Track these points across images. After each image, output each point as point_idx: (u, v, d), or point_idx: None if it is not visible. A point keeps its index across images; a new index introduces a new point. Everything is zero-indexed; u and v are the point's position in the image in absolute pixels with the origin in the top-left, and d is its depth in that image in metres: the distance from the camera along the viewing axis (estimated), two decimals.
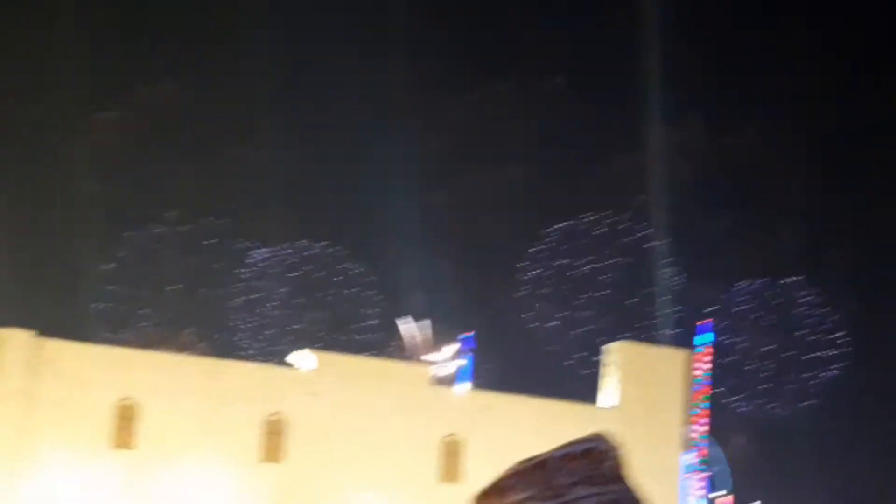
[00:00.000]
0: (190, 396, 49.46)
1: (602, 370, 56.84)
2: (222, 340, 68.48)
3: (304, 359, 52.89)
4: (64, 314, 65.17)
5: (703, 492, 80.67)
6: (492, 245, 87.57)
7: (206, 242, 79.13)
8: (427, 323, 67.16)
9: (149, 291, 74.35)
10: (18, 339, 47.80)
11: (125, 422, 48.99)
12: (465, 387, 58.41)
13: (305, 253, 79.73)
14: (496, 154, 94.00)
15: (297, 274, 77.81)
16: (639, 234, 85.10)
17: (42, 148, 77.93)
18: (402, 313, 70.33)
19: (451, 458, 52.78)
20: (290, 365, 53.10)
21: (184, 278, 77.19)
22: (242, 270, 78.63)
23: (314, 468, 50.36)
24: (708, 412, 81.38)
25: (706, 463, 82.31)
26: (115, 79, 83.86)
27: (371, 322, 73.10)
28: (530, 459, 2.45)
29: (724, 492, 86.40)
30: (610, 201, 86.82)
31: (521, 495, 2.39)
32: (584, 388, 58.47)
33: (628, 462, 2.46)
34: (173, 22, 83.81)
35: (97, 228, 75.03)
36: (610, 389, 55.77)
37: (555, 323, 79.96)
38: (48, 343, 48.62)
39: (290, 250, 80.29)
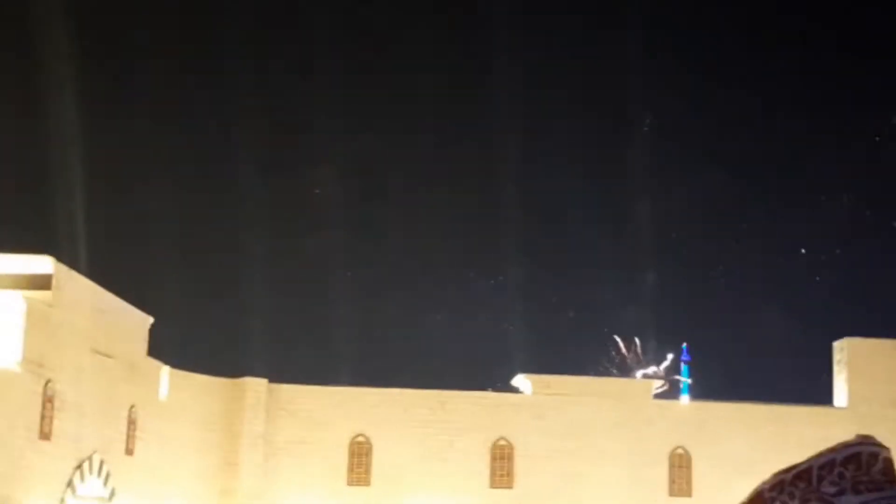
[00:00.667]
0: (418, 429, 50.88)
1: (833, 368, 55.02)
2: (440, 370, 70.01)
3: (521, 383, 53.55)
4: (292, 361, 68.34)
5: None
6: (699, 252, 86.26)
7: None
8: (635, 341, 66.80)
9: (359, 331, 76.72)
10: (256, 387, 50.43)
11: (359, 458, 50.82)
12: (685, 399, 57.75)
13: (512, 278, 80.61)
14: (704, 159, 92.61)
15: (503, 299, 78.78)
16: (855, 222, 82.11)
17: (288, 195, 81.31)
18: (612, 331, 70.23)
19: (679, 470, 52.22)
20: (514, 389, 53.84)
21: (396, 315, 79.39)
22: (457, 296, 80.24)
23: (545, 490, 50.81)
24: None
25: None
26: None
27: (581, 342, 73.26)
28: (790, 469, 2.36)
29: None
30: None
31: None
32: (812, 390, 56.82)
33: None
34: None
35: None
36: (841, 388, 53.96)
37: (774, 324, 77.84)
38: (282, 388, 51.11)
39: (501, 277, 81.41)
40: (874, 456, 2.30)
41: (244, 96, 78.55)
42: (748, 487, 2.36)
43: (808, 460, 2.33)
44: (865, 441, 2.32)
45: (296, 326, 78.15)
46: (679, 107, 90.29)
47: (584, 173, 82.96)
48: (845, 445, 2.32)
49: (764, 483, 2.34)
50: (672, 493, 51.97)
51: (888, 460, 2.30)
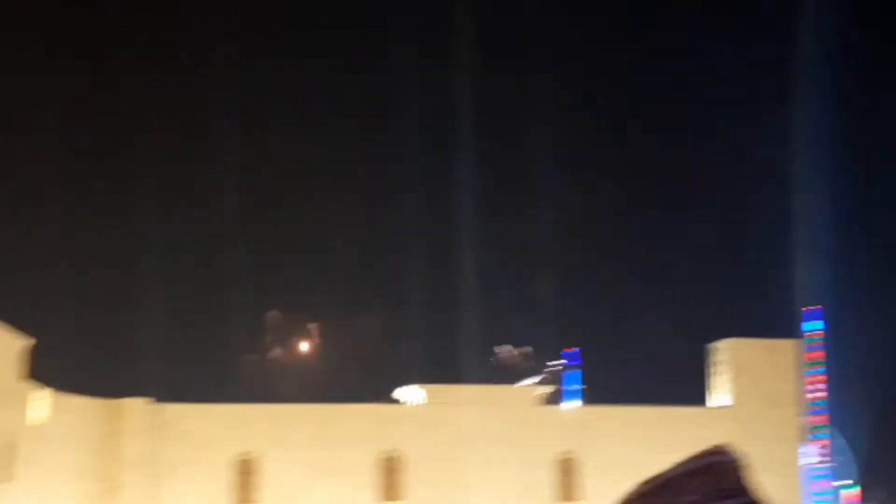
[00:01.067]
0: (306, 445, 50.26)
1: (711, 370, 56.17)
2: (326, 384, 69.32)
3: (411, 393, 53.37)
4: (180, 380, 66.85)
5: (828, 484, 79.04)
6: (584, 261, 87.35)
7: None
8: (528, 349, 67.18)
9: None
10: (136, 408, 49.15)
11: (245, 476, 49.93)
12: (574, 403, 58.27)
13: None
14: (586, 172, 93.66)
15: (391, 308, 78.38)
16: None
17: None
18: (502, 339, 70.58)
19: (567, 475, 52.63)
20: (397, 401, 53.61)
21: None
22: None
23: (435, 501, 50.64)
24: (825, 400, 79.67)
25: (827, 454, 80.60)
26: None
27: (470, 351, 73.28)
28: (653, 479, 2.34)
29: (849, 481, 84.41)
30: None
31: None
32: (694, 391, 57.83)
33: (752, 469, 2.31)
34: None
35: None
36: (721, 388, 55.13)
37: (656, 327, 79.33)
38: (167, 408, 49.95)
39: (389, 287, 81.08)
40: (728, 464, 2.29)
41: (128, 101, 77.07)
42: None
43: (671, 469, 2.29)
44: (721, 450, 2.30)
45: (186, 345, 76.61)
46: (561, 116, 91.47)
47: (473, 182, 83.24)
48: (703, 455, 2.29)
49: (628, 495, 2.27)
50: (560, 497, 52.41)
51: (742, 469, 2.30)
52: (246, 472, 50.01)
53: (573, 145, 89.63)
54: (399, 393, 53.87)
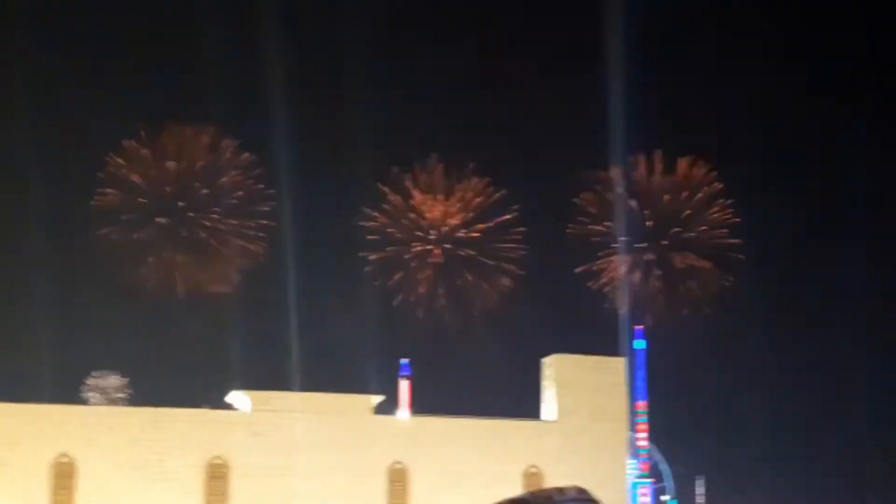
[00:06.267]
0: (129, 448, 48.69)
1: (542, 384, 57.08)
2: (152, 386, 67.31)
3: (238, 399, 52.38)
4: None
5: (649, 500, 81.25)
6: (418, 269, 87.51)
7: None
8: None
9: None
10: None
11: (63, 480, 48.01)
12: (405, 414, 58.23)
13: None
14: None
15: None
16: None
17: None
18: (332, 346, 69.96)
19: (398, 485, 52.58)
20: (228, 406, 52.56)
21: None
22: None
23: None
24: (646, 418, 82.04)
25: (649, 471, 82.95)
26: None
27: (299, 358, 72.40)
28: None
29: (667, 497, 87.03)
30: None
31: None
32: (526, 405, 58.66)
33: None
34: None
35: None
36: (550, 402, 56.01)
37: (491, 342, 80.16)
38: None
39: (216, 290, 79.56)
40: None
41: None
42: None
43: (524, 500, 2.23)
44: (581, 496, 2.25)
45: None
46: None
47: (305, 194, 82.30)
48: (561, 495, 2.22)
49: None
50: None
51: None
52: (63, 475, 48.07)
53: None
54: (230, 398, 52.82)
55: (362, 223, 79.56)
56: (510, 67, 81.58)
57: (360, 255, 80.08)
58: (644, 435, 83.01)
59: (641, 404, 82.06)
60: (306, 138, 76.15)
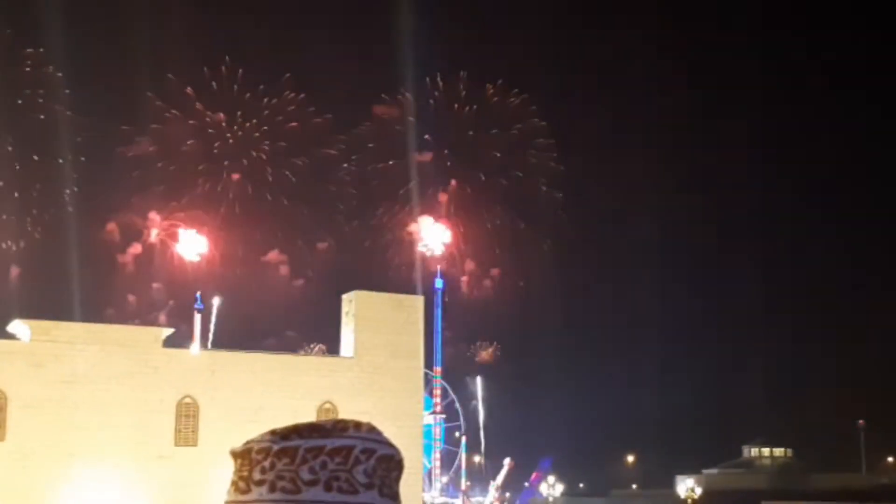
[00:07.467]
0: None
1: (342, 320, 56.58)
2: None
3: (20, 329, 49.70)
4: None
5: (439, 431, 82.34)
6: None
7: None
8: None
9: None
10: None
11: None
12: (197, 347, 56.59)
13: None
14: None
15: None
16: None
17: None
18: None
19: (186, 420, 51.22)
20: (11, 336, 49.81)
21: None
22: None
23: (40, 443, 47.56)
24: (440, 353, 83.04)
25: (441, 408, 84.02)
26: None
27: (83, 289, 69.04)
28: (282, 434, 1.99)
29: (458, 433, 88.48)
30: None
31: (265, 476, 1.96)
32: (326, 340, 58.02)
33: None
34: None
35: None
36: (349, 339, 55.57)
37: (291, 277, 78.99)
38: None
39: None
40: (369, 453, 1.94)
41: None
42: (256, 434, 2.08)
43: (309, 431, 1.98)
44: (372, 436, 1.98)
45: None
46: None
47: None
48: (357, 430, 1.95)
49: (257, 441, 1.98)
50: (178, 442, 50.86)
51: (387, 462, 1.96)
52: None
53: None
54: (11, 327, 50.04)
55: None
56: None
57: None
58: (436, 372, 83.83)
59: (435, 341, 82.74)
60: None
